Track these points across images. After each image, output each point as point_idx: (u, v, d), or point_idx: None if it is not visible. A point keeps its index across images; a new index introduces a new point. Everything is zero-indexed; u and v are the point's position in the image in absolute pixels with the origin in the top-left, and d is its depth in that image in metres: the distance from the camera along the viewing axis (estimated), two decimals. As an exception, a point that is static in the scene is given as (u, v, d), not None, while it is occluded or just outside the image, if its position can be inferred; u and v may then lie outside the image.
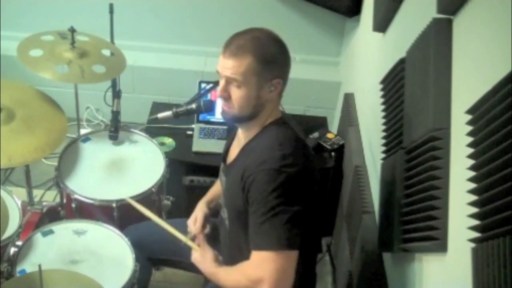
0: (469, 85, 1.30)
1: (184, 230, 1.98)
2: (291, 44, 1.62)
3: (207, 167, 2.59)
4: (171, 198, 2.32)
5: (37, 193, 2.78)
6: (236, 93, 1.55)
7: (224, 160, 1.79)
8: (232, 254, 1.76)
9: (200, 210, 1.93)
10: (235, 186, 1.61)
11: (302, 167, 1.54)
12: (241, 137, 1.71)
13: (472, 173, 1.14)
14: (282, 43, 1.59)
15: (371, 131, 2.27)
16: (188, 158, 2.66)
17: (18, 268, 1.78)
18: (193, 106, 2.04)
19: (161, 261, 2.07)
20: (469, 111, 1.18)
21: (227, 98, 1.57)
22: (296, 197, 1.52)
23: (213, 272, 1.69)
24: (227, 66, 1.53)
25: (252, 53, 1.51)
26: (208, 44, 3.34)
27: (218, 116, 2.77)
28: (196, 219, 1.90)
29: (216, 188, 2.01)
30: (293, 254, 1.53)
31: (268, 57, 1.53)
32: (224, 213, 1.73)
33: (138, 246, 1.93)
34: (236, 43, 1.53)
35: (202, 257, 1.73)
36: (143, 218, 2.11)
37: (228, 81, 1.55)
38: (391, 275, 1.77)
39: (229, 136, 1.86)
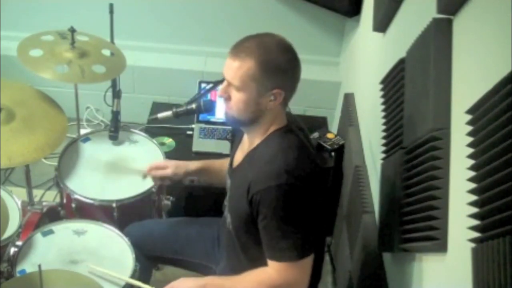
0: (469, 85, 1.30)
1: (182, 231, 2.00)
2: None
3: (207, 167, 2.59)
4: (171, 198, 2.32)
5: (37, 193, 2.78)
6: (236, 96, 1.54)
7: (231, 163, 1.78)
8: (234, 256, 1.76)
9: (175, 169, 1.93)
10: (239, 196, 1.60)
11: (307, 175, 1.55)
12: (246, 142, 1.70)
13: (472, 173, 1.14)
14: (292, 54, 1.53)
15: (371, 131, 2.27)
16: (188, 158, 2.64)
17: (18, 268, 1.78)
18: (193, 106, 2.03)
19: (162, 259, 2.07)
20: (469, 111, 1.18)
21: (227, 99, 1.57)
22: (304, 205, 1.55)
23: (212, 283, 1.68)
24: (228, 66, 1.53)
25: (255, 58, 1.48)
26: (208, 44, 3.34)
27: (218, 116, 2.77)
28: (164, 168, 1.94)
29: (217, 165, 1.98)
30: (309, 260, 1.59)
31: (271, 65, 1.49)
32: (228, 218, 1.72)
33: (139, 244, 1.93)
34: (242, 45, 1.51)
35: (182, 280, 1.70)
36: (143, 217, 2.12)
37: (229, 82, 1.55)
38: (391, 275, 1.77)
39: (236, 139, 1.85)
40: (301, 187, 1.52)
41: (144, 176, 2.04)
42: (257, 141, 1.63)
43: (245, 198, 1.56)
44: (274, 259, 1.57)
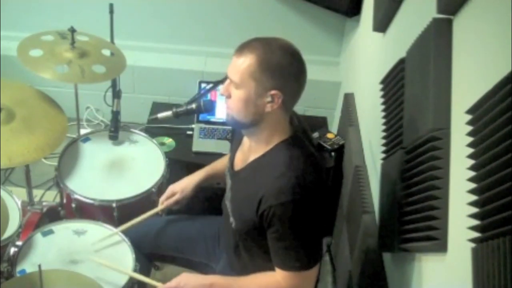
0: (469, 85, 1.30)
1: (182, 229, 2.00)
2: (291, 44, 1.61)
3: (207, 167, 2.59)
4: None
5: (37, 193, 2.78)
6: (235, 94, 1.54)
7: (232, 163, 1.77)
8: (235, 255, 1.77)
9: (182, 191, 1.97)
10: (246, 206, 1.60)
11: (316, 186, 1.56)
12: (246, 144, 1.70)
13: (472, 173, 1.14)
14: (295, 58, 1.51)
15: (371, 131, 2.26)
16: (188, 158, 2.66)
17: (18, 268, 1.78)
18: (193, 106, 2.04)
19: (162, 257, 2.06)
20: (469, 111, 1.18)
21: (227, 97, 1.57)
22: (314, 216, 1.56)
23: (218, 283, 1.69)
24: (232, 64, 1.53)
25: (256, 55, 1.48)
26: (208, 44, 3.34)
27: (218, 116, 2.78)
28: (172, 195, 1.97)
29: (219, 166, 2.00)
30: (316, 268, 1.61)
31: (271, 64, 1.48)
32: (230, 218, 1.71)
33: (140, 242, 1.93)
34: (247, 44, 1.52)
35: (187, 277, 1.71)
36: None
37: (230, 80, 1.55)
38: (391, 275, 1.77)
39: (235, 140, 1.84)
40: (312, 199, 1.53)
41: (162, 211, 2.03)
42: (260, 149, 1.62)
43: (254, 210, 1.56)
44: (282, 268, 1.59)
